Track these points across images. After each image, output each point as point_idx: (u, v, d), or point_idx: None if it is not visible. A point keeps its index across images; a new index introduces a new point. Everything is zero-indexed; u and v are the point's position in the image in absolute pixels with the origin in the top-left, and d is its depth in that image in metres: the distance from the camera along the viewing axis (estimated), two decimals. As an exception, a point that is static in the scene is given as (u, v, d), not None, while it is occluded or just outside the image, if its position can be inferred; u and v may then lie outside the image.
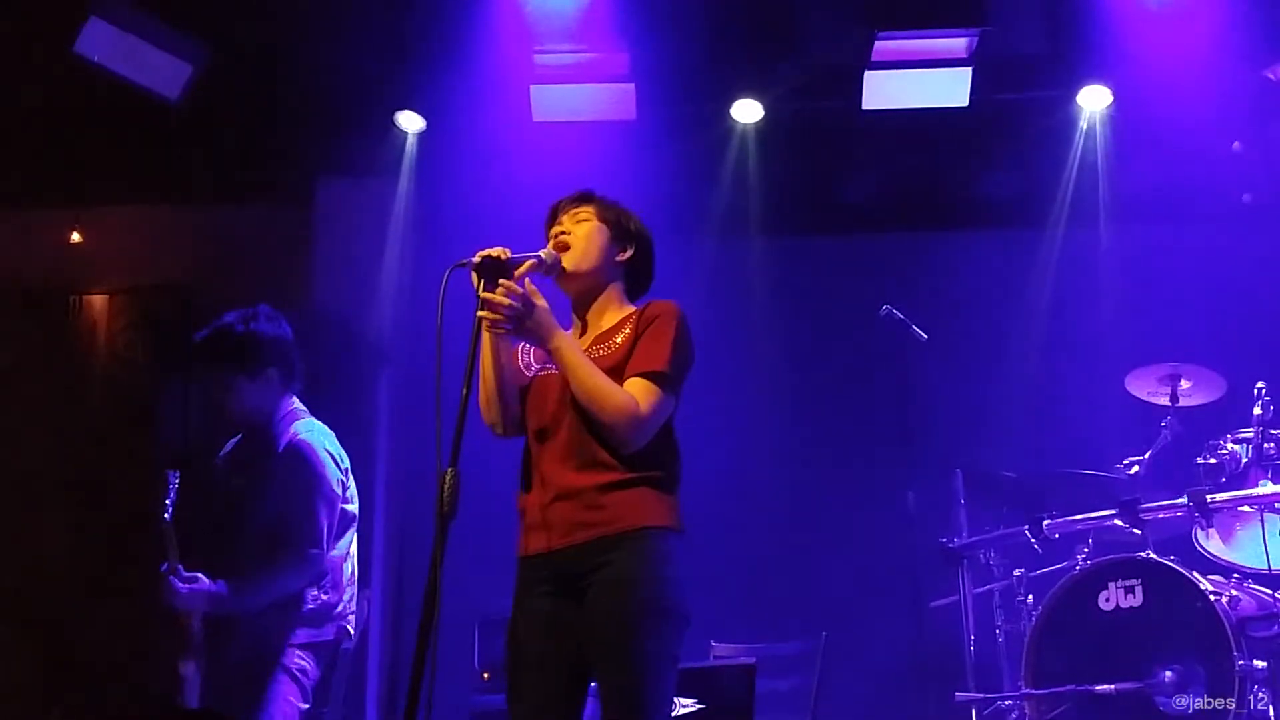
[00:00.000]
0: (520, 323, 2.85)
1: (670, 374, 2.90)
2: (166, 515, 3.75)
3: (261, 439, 3.97)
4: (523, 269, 2.89)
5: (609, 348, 2.97)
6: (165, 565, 3.71)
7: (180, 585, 3.70)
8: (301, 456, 3.86)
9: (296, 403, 4.02)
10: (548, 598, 2.87)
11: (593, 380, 2.86)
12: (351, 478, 4.00)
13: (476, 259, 2.86)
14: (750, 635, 4.61)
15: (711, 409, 5.26)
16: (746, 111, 5.60)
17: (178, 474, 3.82)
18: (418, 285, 5.64)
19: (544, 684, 2.85)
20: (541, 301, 2.89)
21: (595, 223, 3.07)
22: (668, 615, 2.79)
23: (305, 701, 3.82)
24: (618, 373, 2.91)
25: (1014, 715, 4.39)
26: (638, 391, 2.87)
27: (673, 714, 3.75)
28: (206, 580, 3.73)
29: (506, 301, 2.82)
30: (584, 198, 3.11)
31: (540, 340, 2.90)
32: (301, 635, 3.85)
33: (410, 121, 5.63)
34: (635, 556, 2.81)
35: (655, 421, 2.88)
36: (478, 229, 4.70)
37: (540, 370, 3.00)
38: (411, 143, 5.70)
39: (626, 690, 2.74)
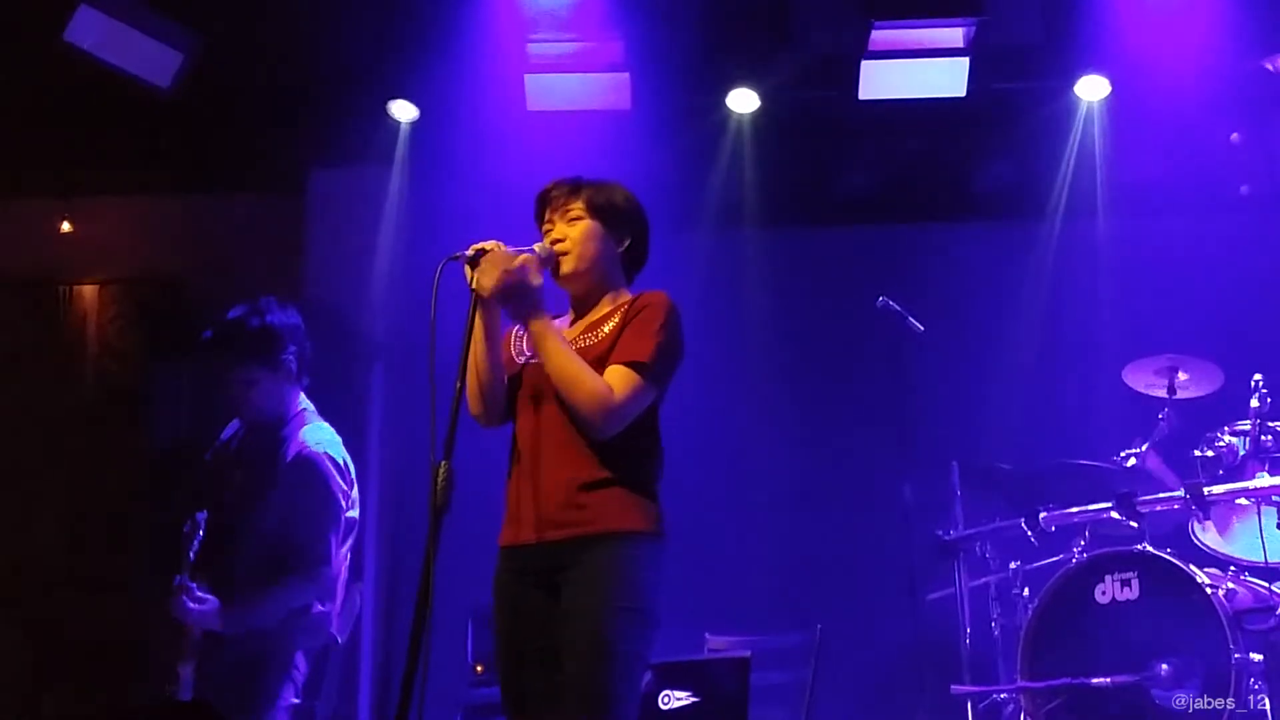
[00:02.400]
0: (511, 295, 2.84)
1: (651, 365, 2.88)
2: (191, 556, 3.67)
3: (269, 437, 3.89)
4: (516, 263, 2.88)
5: (596, 335, 2.95)
6: (178, 580, 3.66)
7: (191, 605, 3.64)
8: (315, 471, 3.79)
9: (306, 401, 3.97)
10: (532, 589, 2.87)
11: (567, 365, 2.85)
12: (354, 484, 3.97)
13: (470, 252, 2.86)
14: (745, 628, 4.59)
15: (706, 401, 5.26)
16: (742, 101, 5.57)
17: (205, 514, 3.74)
18: (411, 276, 5.61)
19: (542, 679, 2.85)
20: (538, 280, 2.88)
21: (589, 222, 3.01)
22: (637, 616, 2.80)
23: (296, 697, 3.81)
24: (603, 361, 2.89)
25: (1010, 708, 4.38)
26: (615, 379, 2.85)
27: (666, 709, 3.76)
28: (216, 601, 3.67)
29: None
30: (573, 189, 3.04)
31: (523, 319, 2.89)
32: (301, 642, 3.82)
33: (403, 111, 5.59)
34: (609, 558, 2.81)
35: (629, 410, 2.86)
36: (472, 219, 4.67)
37: (530, 359, 2.98)
38: (405, 132, 5.66)
39: (590, 686, 2.75)
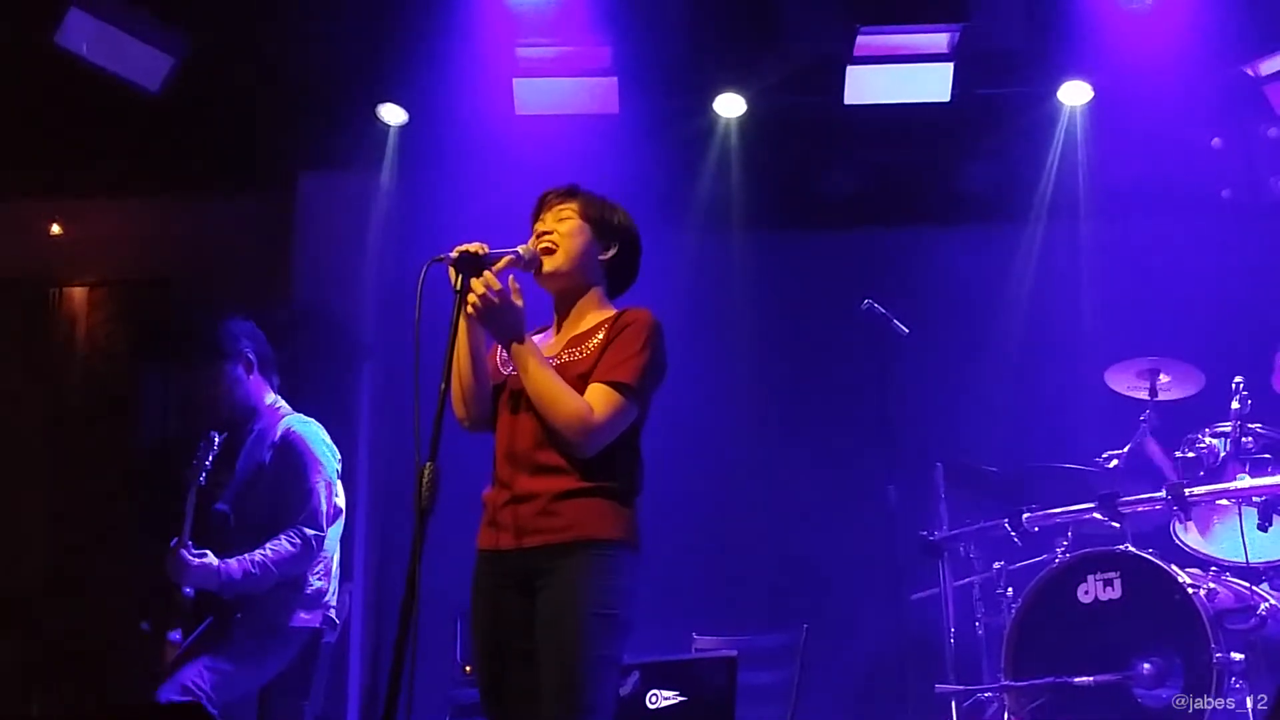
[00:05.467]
0: (491, 316, 2.86)
1: (633, 385, 2.90)
2: (201, 479, 3.77)
3: (245, 433, 3.99)
4: (500, 265, 2.91)
5: (581, 352, 2.98)
6: (175, 540, 3.72)
7: (191, 559, 3.70)
8: (295, 447, 3.93)
9: (278, 398, 4.05)
10: (510, 593, 2.91)
11: (547, 385, 2.88)
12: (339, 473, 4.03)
13: (454, 254, 2.88)
14: (732, 628, 4.61)
15: (693, 403, 5.28)
16: (729, 105, 5.60)
17: (224, 435, 3.85)
18: (400, 279, 5.63)
19: (520, 681, 2.88)
20: (519, 301, 2.90)
21: (578, 221, 3.05)
22: (610, 622, 2.83)
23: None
24: (585, 378, 2.92)
25: (994, 707, 4.41)
26: (596, 399, 2.88)
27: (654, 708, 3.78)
28: (215, 558, 3.73)
29: (481, 290, 2.84)
30: (569, 193, 3.10)
31: (504, 339, 2.92)
32: (298, 618, 3.87)
33: (392, 114, 5.61)
34: (585, 565, 2.84)
35: (609, 430, 2.89)
36: (460, 223, 4.68)
37: (514, 370, 3.00)
38: (394, 136, 5.68)
39: (565, 690, 2.78)
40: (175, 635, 3.76)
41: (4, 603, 5.72)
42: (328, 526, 3.94)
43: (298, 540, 3.84)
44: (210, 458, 3.82)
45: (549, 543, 2.86)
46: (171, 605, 3.77)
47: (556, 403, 2.87)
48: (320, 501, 3.89)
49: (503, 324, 2.88)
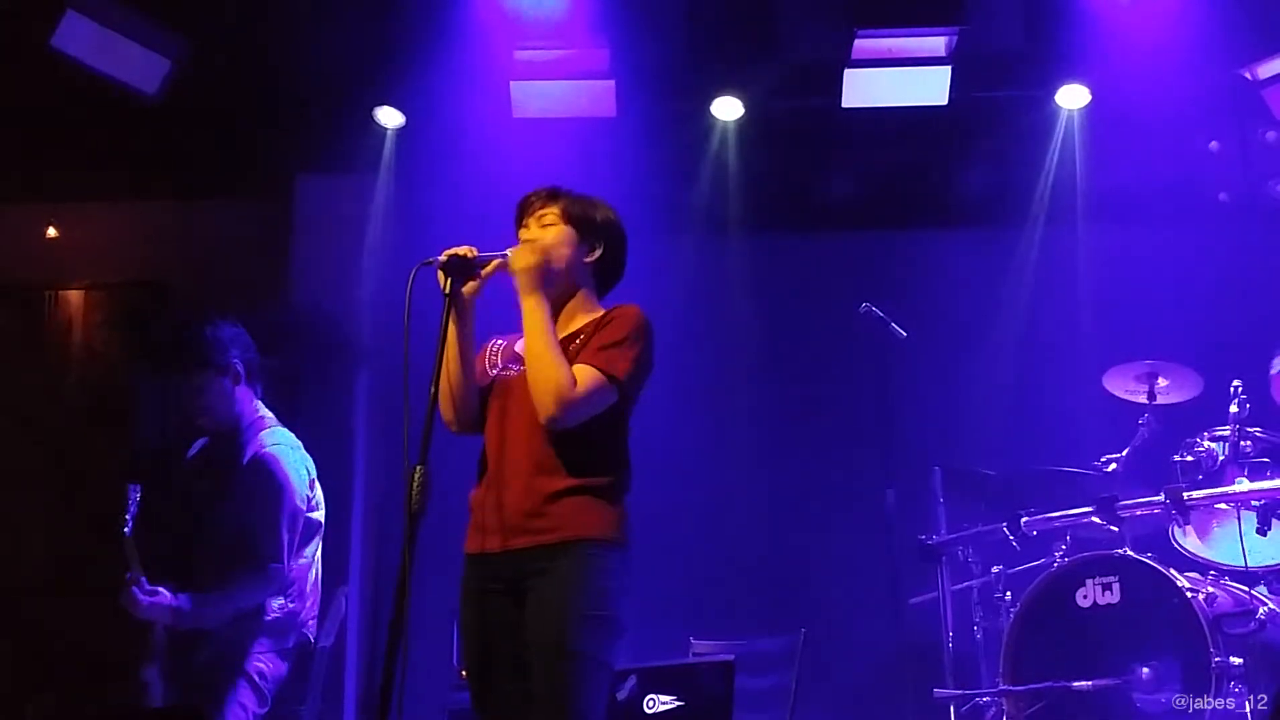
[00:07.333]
0: (531, 267, 2.92)
1: (617, 369, 2.91)
2: (126, 530, 3.71)
3: (228, 444, 3.93)
4: (489, 268, 2.95)
5: (567, 349, 2.98)
6: (130, 574, 3.68)
7: (142, 597, 3.66)
8: (267, 470, 3.83)
9: (263, 408, 4.00)
10: (499, 597, 2.90)
11: (546, 346, 2.89)
12: (318, 486, 3.97)
13: (443, 257, 2.90)
14: (729, 632, 4.60)
15: (691, 407, 5.29)
16: (726, 109, 5.61)
17: (139, 488, 3.77)
18: (397, 282, 5.57)
19: (511, 685, 2.88)
20: (559, 265, 2.99)
21: (561, 227, 3.06)
22: (601, 624, 2.83)
23: (262, 706, 3.81)
24: None
25: (992, 712, 4.40)
26: (580, 375, 2.89)
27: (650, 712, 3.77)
28: (168, 594, 3.70)
29: (531, 237, 2.95)
30: (550, 196, 3.10)
31: (528, 289, 2.94)
32: (263, 644, 3.83)
33: (390, 117, 5.62)
34: (572, 566, 2.83)
35: (586, 405, 2.88)
36: (457, 226, 4.68)
37: (502, 371, 3.01)
38: (391, 139, 5.69)
39: (556, 693, 2.77)
40: (151, 672, 3.73)
41: (2, 604, 5.71)
42: (299, 549, 3.87)
43: (258, 572, 3.77)
44: (133, 509, 3.72)
45: (537, 544, 2.85)
46: (146, 640, 3.74)
47: (548, 365, 2.87)
48: (284, 532, 3.81)
49: (533, 277, 2.93)
